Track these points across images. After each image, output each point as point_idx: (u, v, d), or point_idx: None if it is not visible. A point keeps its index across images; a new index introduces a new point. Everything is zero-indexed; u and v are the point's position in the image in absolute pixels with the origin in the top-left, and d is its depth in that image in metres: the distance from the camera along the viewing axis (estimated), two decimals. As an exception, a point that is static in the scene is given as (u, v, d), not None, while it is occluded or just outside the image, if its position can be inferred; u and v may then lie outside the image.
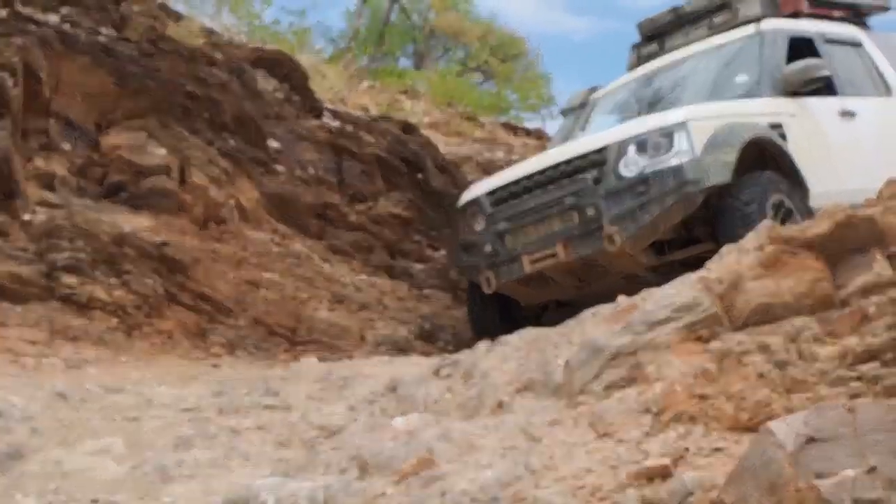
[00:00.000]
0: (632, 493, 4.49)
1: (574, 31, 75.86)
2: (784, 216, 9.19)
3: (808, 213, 9.33)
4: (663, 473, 4.57)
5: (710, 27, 12.04)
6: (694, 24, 12.31)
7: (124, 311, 9.34)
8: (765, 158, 9.77)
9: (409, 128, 14.45)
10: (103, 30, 11.39)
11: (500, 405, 6.19)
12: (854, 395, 4.76)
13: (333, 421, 6.87)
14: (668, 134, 9.43)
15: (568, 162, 9.88)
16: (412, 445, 5.55)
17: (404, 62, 26.43)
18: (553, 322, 9.88)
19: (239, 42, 14.07)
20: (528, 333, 7.30)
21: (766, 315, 5.62)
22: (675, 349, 5.67)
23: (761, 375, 5.16)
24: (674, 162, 9.25)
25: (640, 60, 12.74)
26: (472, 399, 6.46)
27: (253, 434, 6.96)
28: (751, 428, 4.74)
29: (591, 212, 9.44)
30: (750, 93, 10.61)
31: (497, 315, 10.52)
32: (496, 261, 10.10)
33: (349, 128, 13.33)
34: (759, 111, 10.23)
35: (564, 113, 13.90)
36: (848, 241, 5.70)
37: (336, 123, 13.34)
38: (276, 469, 6.21)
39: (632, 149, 9.47)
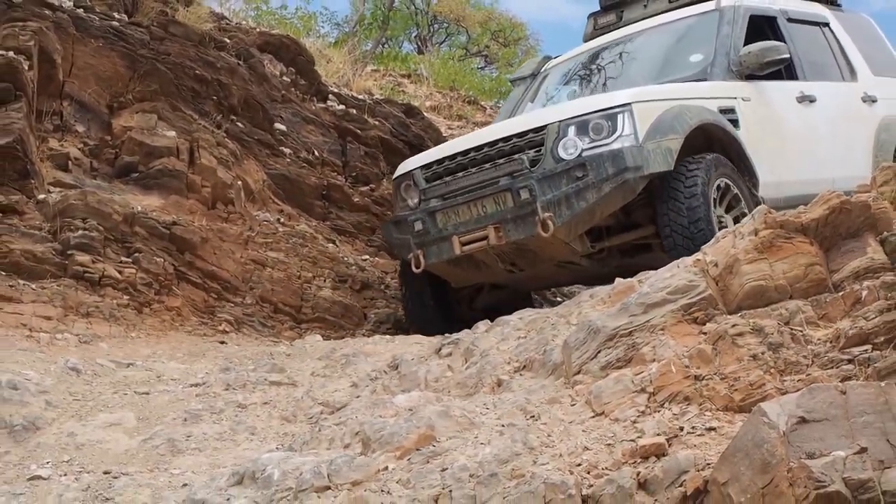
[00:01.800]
0: (627, 471, 4.51)
1: (571, 17, 76.07)
2: (730, 200, 8.87)
3: (756, 203, 8.75)
4: (658, 452, 4.59)
5: (670, 0, 11.25)
6: None
7: (135, 289, 9.35)
8: (713, 145, 9.19)
9: (411, 111, 14.33)
10: (115, 15, 11.39)
11: (499, 383, 6.21)
12: (845, 378, 4.77)
13: (337, 397, 6.89)
14: (610, 116, 8.71)
15: (505, 140, 9.16)
16: (413, 422, 5.54)
17: (407, 47, 26.36)
18: (488, 304, 9.99)
19: (246, 27, 14.00)
20: (527, 314, 7.32)
21: (760, 298, 5.63)
22: (670, 331, 5.68)
23: (755, 357, 5.17)
24: (615, 146, 8.56)
25: (597, 30, 11.94)
26: (472, 377, 6.47)
27: (259, 409, 6.97)
28: (744, 408, 4.77)
29: (525, 195, 8.67)
30: (704, 73, 9.83)
31: (430, 295, 10.03)
32: (426, 240, 9.38)
33: (353, 111, 13.28)
34: (711, 94, 9.47)
35: (514, 82, 12.70)
36: (842, 226, 5.71)
37: (340, 107, 13.30)
38: (281, 443, 6.24)
39: (572, 130, 8.75)
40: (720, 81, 9.65)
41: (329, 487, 5.04)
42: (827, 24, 11.36)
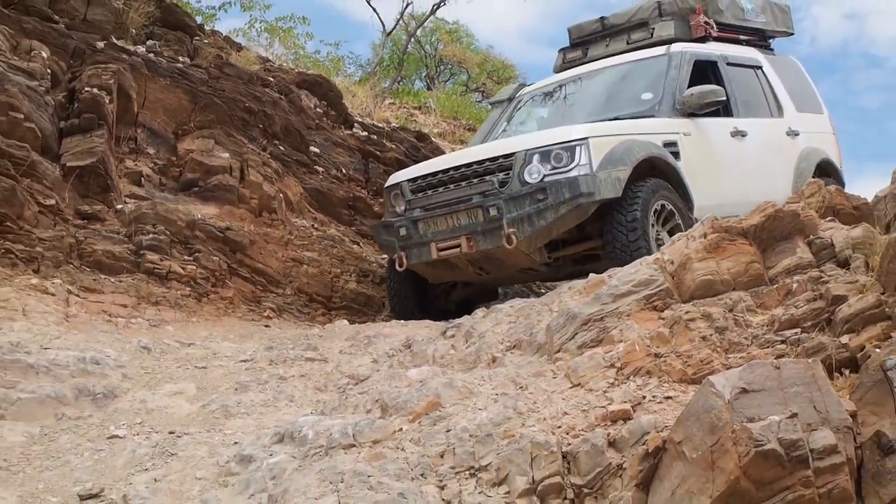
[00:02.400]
0: (599, 432, 4.51)
1: (553, 60, 75.99)
2: (667, 218, 8.63)
3: (692, 222, 8.48)
4: (625, 416, 4.60)
5: (629, 42, 10.81)
6: (614, 37, 11.06)
7: (195, 282, 9.33)
8: (657, 174, 8.82)
9: (422, 136, 14.24)
10: (180, 58, 11.38)
11: (494, 360, 6.20)
12: (779, 355, 4.76)
13: (360, 371, 6.86)
14: (570, 148, 8.39)
15: (480, 163, 8.81)
16: (423, 391, 5.56)
17: (418, 84, 26.25)
18: (460, 298, 10.00)
19: (287, 68, 13.98)
20: (517, 303, 7.29)
21: (708, 290, 5.64)
22: (635, 316, 5.69)
23: (704, 338, 5.17)
24: (572, 174, 8.26)
25: (565, 64, 11.45)
26: (472, 355, 6.46)
27: (297, 381, 6.95)
28: (695, 380, 4.76)
29: (493, 212, 8.39)
30: (652, 110, 9.47)
31: (411, 289, 9.69)
32: (409, 244, 9.05)
33: (374, 136, 13.22)
34: (658, 130, 9.12)
35: (493, 105, 12.01)
36: (776, 230, 5.71)
37: (364, 133, 13.25)
38: (315, 409, 6.22)
39: (536, 158, 8.45)
40: (665, 118, 9.34)
41: (354, 445, 5.04)
42: (760, 67, 11.05)
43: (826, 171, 10.85)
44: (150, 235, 9.26)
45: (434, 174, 9.20)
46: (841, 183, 10.81)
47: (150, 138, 10.50)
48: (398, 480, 4.55)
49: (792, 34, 12.21)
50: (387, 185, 9.96)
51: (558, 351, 5.83)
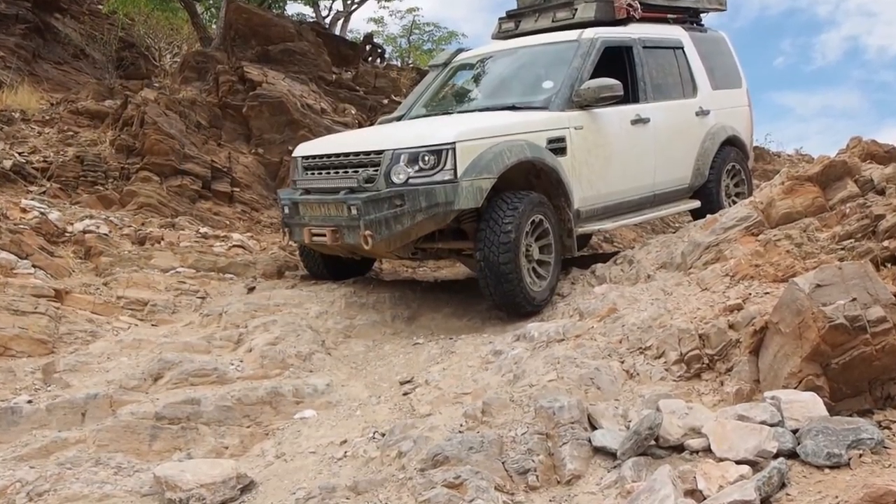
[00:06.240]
0: (722, 319, 4.46)
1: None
2: (541, 231, 6.25)
3: (568, 227, 6.52)
4: (738, 307, 4.55)
5: (554, 20, 7.64)
6: (544, 13, 7.79)
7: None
8: (535, 172, 6.39)
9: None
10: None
11: (649, 277, 6.15)
12: (841, 259, 4.61)
13: (564, 290, 6.76)
14: (437, 152, 5.79)
15: (356, 154, 6.19)
16: (604, 301, 5.56)
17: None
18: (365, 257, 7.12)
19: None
20: (661, 238, 7.05)
21: (788, 219, 5.47)
22: (740, 241, 5.57)
23: (788, 251, 5.05)
24: (436, 178, 5.77)
25: (500, 34, 8.13)
26: (633, 274, 6.38)
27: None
28: (784, 280, 4.66)
29: (354, 211, 5.94)
30: (547, 102, 6.64)
31: (317, 253, 7.01)
32: (290, 222, 6.55)
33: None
34: (545, 126, 6.41)
35: (431, 68, 8.46)
36: (832, 174, 5.48)
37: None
38: (537, 318, 6.19)
39: (403, 158, 5.87)
40: (557, 112, 6.58)
41: (563, 339, 5.09)
42: (681, 47, 7.93)
43: (733, 144, 8.17)
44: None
45: (320, 157, 6.52)
46: (745, 153, 8.36)
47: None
48: (593, 359, 4.58)
49: (724, 10, 8.64)
50: (293, 154, 6.99)
51: (690, 267, 5.75)
